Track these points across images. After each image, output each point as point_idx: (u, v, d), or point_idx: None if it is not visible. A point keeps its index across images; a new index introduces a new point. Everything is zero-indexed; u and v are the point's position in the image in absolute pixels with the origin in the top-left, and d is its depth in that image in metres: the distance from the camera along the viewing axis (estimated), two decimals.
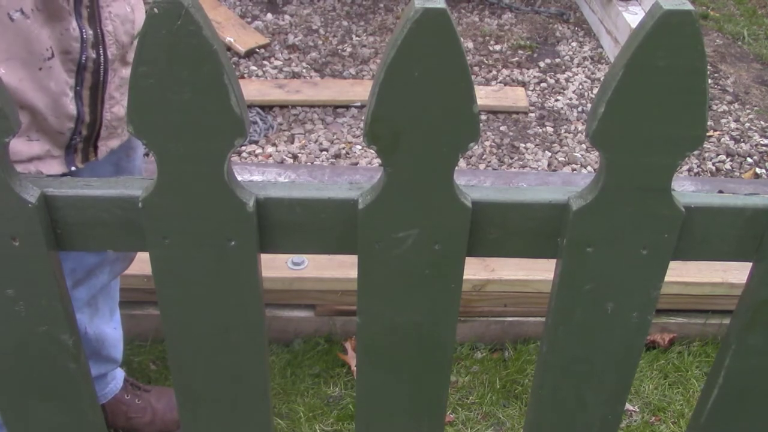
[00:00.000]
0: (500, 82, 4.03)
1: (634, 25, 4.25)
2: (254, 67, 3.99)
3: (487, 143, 3.52)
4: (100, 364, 1.91)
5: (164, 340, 1.01)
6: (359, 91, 3.76)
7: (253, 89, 3.70)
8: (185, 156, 0.84)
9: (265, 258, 0.96)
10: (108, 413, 2.03)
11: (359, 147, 3.44)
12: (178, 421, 1.75)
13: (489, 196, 0.91)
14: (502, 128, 3.64)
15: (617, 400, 1.09)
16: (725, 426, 1.11)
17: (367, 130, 0.83)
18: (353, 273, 0.95)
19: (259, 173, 2.84)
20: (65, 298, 0.96)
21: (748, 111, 3.90)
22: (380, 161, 0.86)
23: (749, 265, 0.98)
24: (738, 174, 3.41)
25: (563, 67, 4.21)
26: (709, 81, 3.51)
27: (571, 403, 1.08)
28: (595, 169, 3.21)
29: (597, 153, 0.86)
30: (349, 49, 4.25)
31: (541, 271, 2.33)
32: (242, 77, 3.89)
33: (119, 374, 2.06)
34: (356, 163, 3.32)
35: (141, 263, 2.30)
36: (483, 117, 3.70)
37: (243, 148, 3.35)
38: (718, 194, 0.93)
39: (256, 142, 3.44)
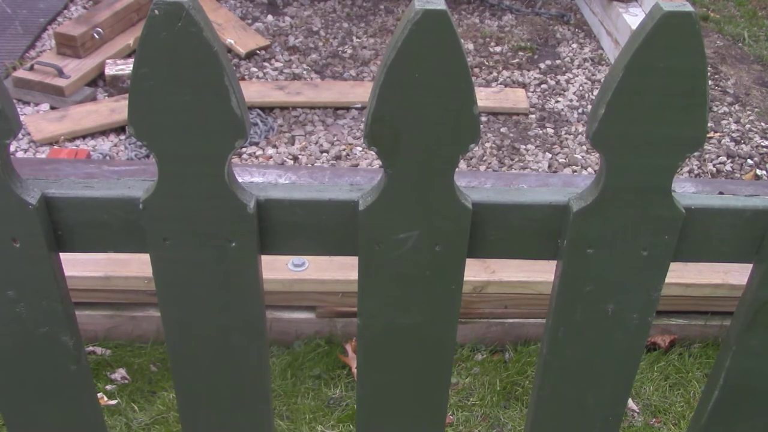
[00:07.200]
0: (501, 84, 4.03)
1: (634, 27, 4.25)
2: (255, 69, 3.99)
3: (488, 145, 3.52)
4: None
5: (165, 342, 1.01)
6: (360, 92, 3.77)
7: (254, 91, 3.70)
8: (186, 157, 0.84)
9: (266, 259, 0.96)
10: None
11: (360, 148, 3.44)
12: None
13: (489, 198, 0.91)
14: (502, 130, 3.64)
15: (618, 401, 1.09)
16: (726, 427, 1.11)
17: (367, 131, 0.83)
18: (354, 274, 0.95)
19: (260, 175, 2.84)
20: (66, 299, 0.96)
21: (748, 112, 3.90)
22: (381, 163, 0.86)
23: (750, 266, 0.98)
24: (738, 175, 3.41)
25: (564, 68, 4.21)
26: (710, 82, 3.50)
27: (572, 404, 1.08)
28: (595, 171, 3.21)
29: (597, 154, 0.86)
30: (349, 51, 4.25)
31: (541, 273, 2.33)
32: (243, 79, 3.89)
33: None
34: (357, 165, 3.33)
35: (141, 264, 2.31)
36: (483, 118, 3.70)
37: (243, 149, 3.36)
38: (719, 195, 0.93)
39: (256, 144, 3.44)
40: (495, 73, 4.11)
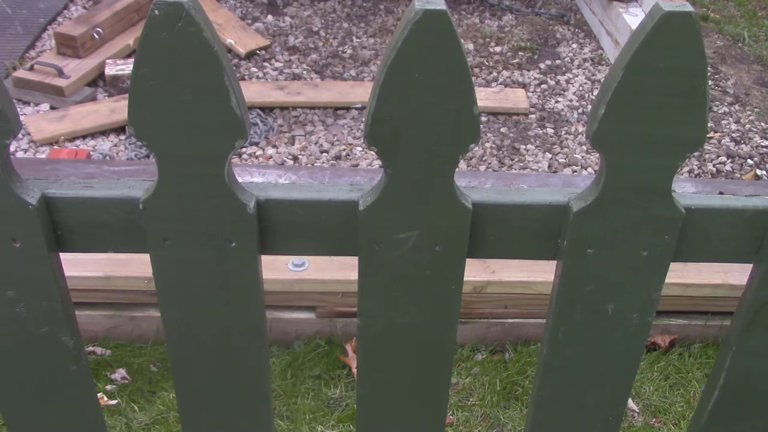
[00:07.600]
0: (501, 84, 4.03)
1: (634, 27, 4.25)
2: (255, 69, 3.99)
3: (488, 145, 3.52)
4: None
5: (165, 342, 1.01)
6: (360, 92, 3.76)
7: (254, 91, 3.70)
8: (186, 157, 0.84)
9: (266, 260, 0.96)
10: None
11: (360, 148, 3.44)
12: None
13: (489, 198, 0.91)
14: (502, 130, 3.64)
15: (618, 401, 1.09)
16: (726, 427, 1.11)
17: (367, 131, 0.83)
18: (354, 275, 0.95)
19: (260, 175, 2.84)
20: (66, 299, 0.96)
21: (748, 112, 3.90)
22: (381, 163, 0.86)
23: (750, 266, 0.98)
24: (738, 175, 3.41)
25: (564, 68, 4.21)
26: (710, 82, 3.48)
27: (572, 404, 1.08)
28: (595, 171, 3.21)
29: (597, 154, 0.86)
30: (349, 51, 4.25)
31: (541, 273, 2.33)
32: (243, 79, 3.89)
33: None
34: (357, 165, 3.33)
35: (141, 264, 2.31)
36: (483, 118, 3.70)
37: (243, 149, 3.36)
38: (719, 195, 0.93)
39: (256, 144, 3.44)
40: (495, 73, 4.11)
